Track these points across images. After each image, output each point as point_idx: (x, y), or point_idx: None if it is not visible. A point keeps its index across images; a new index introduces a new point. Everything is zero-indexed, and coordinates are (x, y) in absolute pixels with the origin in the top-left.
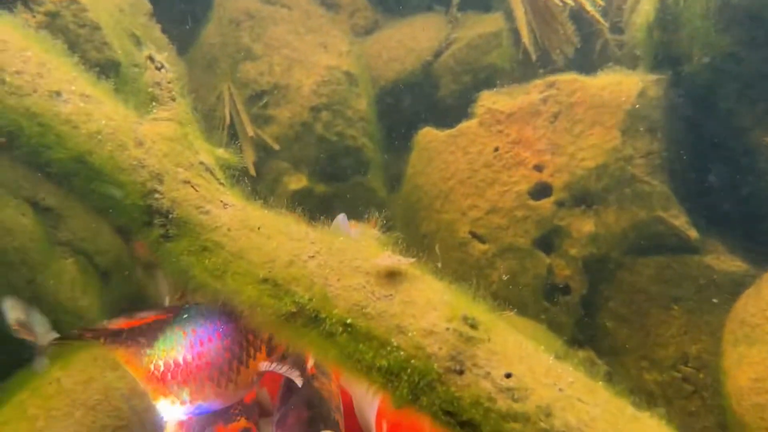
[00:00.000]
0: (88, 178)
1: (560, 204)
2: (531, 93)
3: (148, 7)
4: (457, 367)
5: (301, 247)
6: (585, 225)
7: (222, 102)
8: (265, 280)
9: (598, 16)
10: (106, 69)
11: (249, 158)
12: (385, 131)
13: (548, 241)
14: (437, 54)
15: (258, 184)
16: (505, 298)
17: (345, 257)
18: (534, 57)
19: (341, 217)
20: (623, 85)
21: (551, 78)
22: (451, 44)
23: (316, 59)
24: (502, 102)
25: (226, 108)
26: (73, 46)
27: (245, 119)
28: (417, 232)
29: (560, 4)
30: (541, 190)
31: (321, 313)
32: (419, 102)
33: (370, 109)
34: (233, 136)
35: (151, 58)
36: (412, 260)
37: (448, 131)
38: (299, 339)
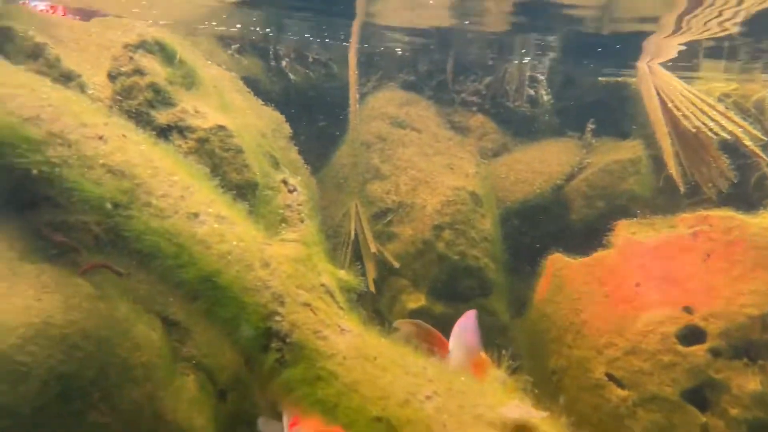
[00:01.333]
0: (213, 298)
1: (716, 353)
2: (678, 227)
3: (288, 131)
4: None
5: (417, 384)
6: (749, 382)
7: (348, 218)
8: (378, 419)
9: (758, 151)
10: (245, 190)
11: (370, 275)
12: (509, 253)
13: (701, 395)
14: (569, 178)
15: (377, 301)
16: None
17: (466, 402)
18: (682, 189)
19: (470, 314)
20: None
21: (702, 212)
22: (584, 168)
23: (441, 180)
24: (644, 233)
25: (351, 224)
26: (217, 168)
27: (369, 236)
28: (544, 366)
29: (712, 135)
30: (692, 335)
31: None
32: (547, 225)
33: (494, 230)
34: (357, 253)
35: (285, 182)
36: (545, 415)
37: (582, 259)
38: None
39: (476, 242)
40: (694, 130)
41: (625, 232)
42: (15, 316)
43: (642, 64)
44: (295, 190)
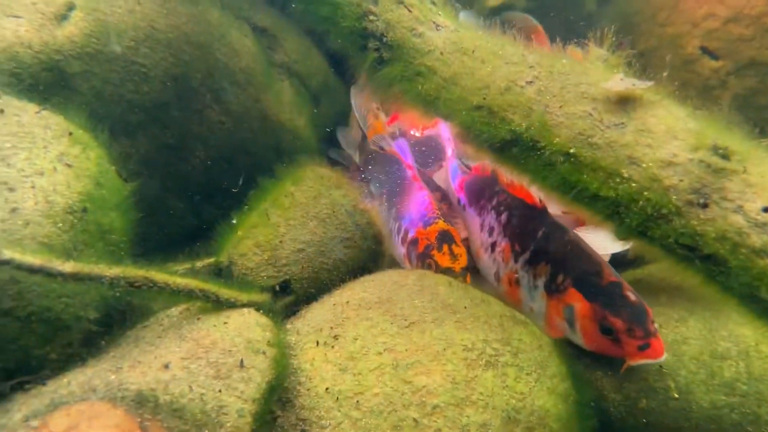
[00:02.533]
0: None
1: None
2: None
3: None
4: (701, 201)
5: (518, 72)
6: None
7: None
8: (479, 108)
9: None
10: None
11: None
12: None
13: None
14: None
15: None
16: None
17: (568, 82)
18: None
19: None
20: None
21: None
22: None
23: None
24: None
25: None
26: None
27: None
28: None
29: None
30: None
31: (540, 141)
32: None
33: None
34: None
35: None
36: (650, 84)
37: None
38: (515, 166)
39: None
40: None
41: None
42: (122, 18)
43: None
44: None
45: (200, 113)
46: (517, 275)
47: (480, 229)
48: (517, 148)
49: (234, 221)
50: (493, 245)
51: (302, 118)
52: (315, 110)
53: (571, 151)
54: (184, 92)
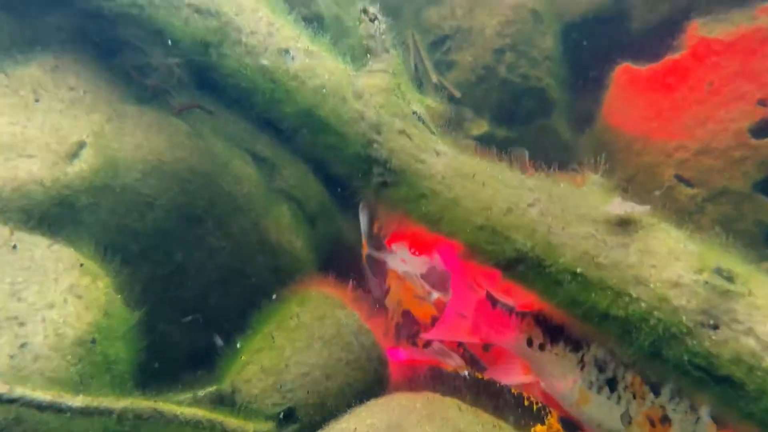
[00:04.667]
0: (314, 130)
1: None
2: (758, 18)
3: None
4: (711, 322)
5: (518, 195)
6: None
7: (406, 49)
8: (482, 228)
9: None
10: (313, 23)
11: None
12: (569, 70)
13: None
14: None
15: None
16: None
17: (568, 204)
18: None
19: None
20: None
21: None
22: None
23: None
24: (720, 30)
25: (410, 55)
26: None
27: (428, 66)
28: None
29: None
30: (766, 128)
31: (546, 260)
32: (609, 36)
33: (555, 48)
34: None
35: (365, 11)
36: (647, 208)
37: (650, 66)
38: (521, 283)
39: (538, 62)
40: None
41: (700, 31)
42: (131, 154)
43: None
44: (376, 18)
45: (202, 239)
46: (663, 410)
47: (578, 368)
48: (523, 265)
49: (238, 345)
50: (611, 382)
51: (300, 240)
52: (312, 232)
53: (578, 270)
54: (187, 219)
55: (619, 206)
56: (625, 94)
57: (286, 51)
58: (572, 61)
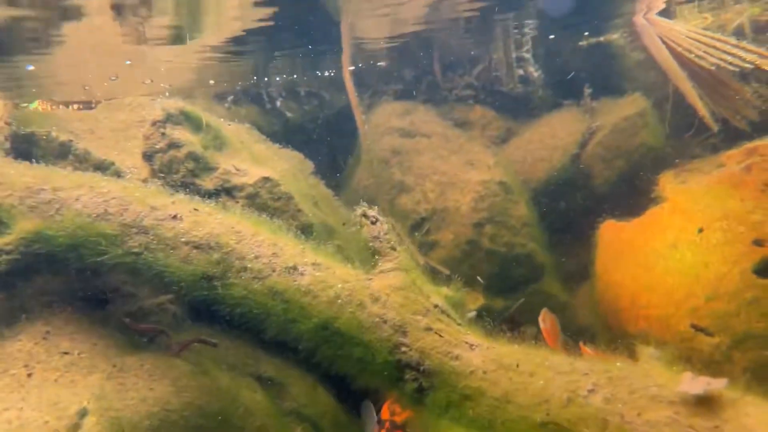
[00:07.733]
0: (335, 344)
1: None
2: (727, 164)
3: (311, 166)
4: None
5: (574, 381)
6: None
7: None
8: (545, 425)
9: None
10: (304, 233)
11: None
12: (547, 232)
13: None
14: (583, 144)
15: None
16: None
17: (634, 386)
18: (715, 128)
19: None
20: None
21: (749, 145)
22: (594, 133)
23: (466, 177)
24: (693, 179)
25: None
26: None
27: (413, 250)
28: (623, 334)
29: (732, 69)
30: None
31: None
32: (577, 196)
33: (530, 213)
34: None
35: (365, 215)
36: (724, 381)
37: (635, 220)
38: None
39: (518, 230)
40: (712, 68)
41: (671, 182)
42: (135, 410)
43: (639, 19)
44: (377, 220)
45: None
46: None
47: None
48: None
49: None
50: None
51: None
52: None
53: None
54: None
55: (693, 383)
56: (615, 249)
57: (294, 268)
58: (550, 224)
